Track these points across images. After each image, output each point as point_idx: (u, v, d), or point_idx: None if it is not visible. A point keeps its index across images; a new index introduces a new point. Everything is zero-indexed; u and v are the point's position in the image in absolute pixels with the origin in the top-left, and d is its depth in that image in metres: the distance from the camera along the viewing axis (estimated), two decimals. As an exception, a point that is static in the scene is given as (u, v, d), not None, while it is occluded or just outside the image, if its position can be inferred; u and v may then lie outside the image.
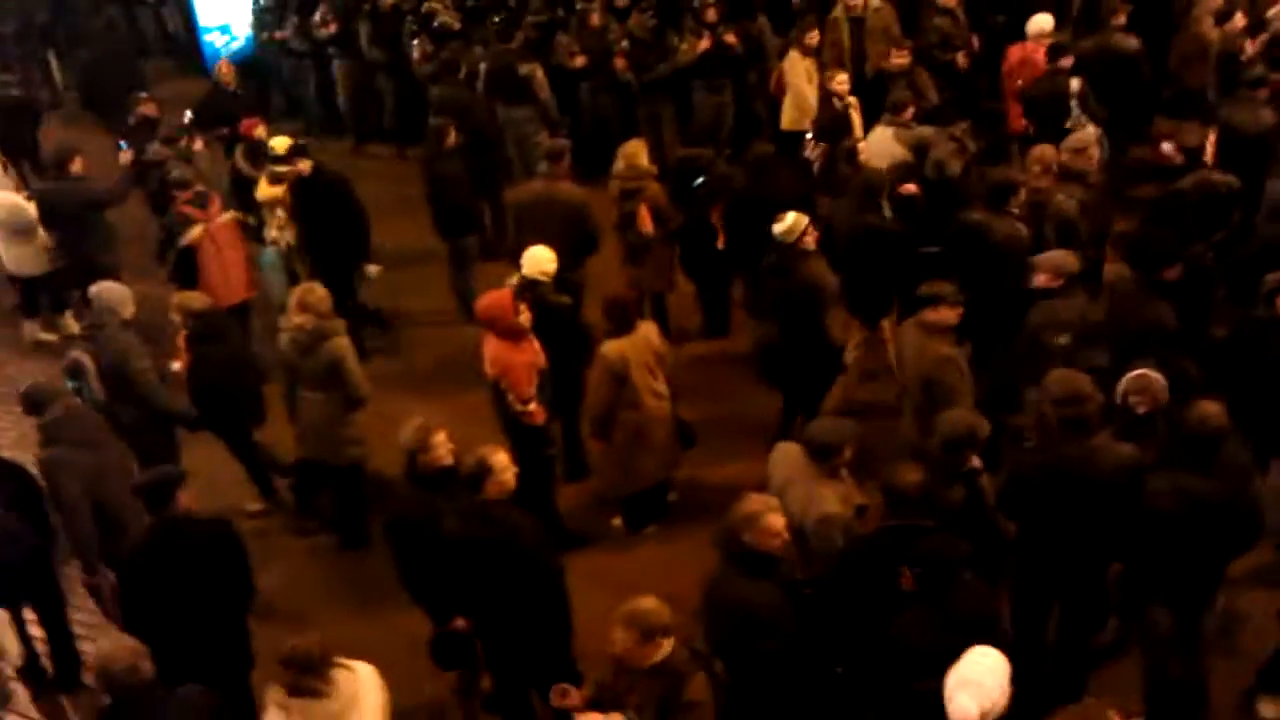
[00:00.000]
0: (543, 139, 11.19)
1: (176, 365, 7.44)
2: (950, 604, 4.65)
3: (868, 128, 9.28)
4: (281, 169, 9.14)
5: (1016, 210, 7.40)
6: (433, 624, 5.95)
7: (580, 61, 11.51)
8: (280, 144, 9.23)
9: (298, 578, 7.36)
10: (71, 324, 9.99)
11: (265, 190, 9.35)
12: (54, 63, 15.38)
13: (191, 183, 8.92)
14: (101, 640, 4.74)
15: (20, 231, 9.65)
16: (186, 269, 8.75)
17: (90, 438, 6.52)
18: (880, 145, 8.76)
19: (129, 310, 7.26)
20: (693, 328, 9.17)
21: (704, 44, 11.07)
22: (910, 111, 8.78)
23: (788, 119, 10.63)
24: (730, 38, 11.08)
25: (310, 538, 7.77)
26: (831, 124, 9.10)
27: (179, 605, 5.40)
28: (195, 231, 8.71)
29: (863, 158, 8.72)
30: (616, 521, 7.47)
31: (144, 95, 10.79)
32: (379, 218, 11.06)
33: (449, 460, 5.76)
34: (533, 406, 6.94)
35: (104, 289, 7.30)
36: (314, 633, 4.96)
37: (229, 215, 9.00)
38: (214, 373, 7.35)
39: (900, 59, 9.76)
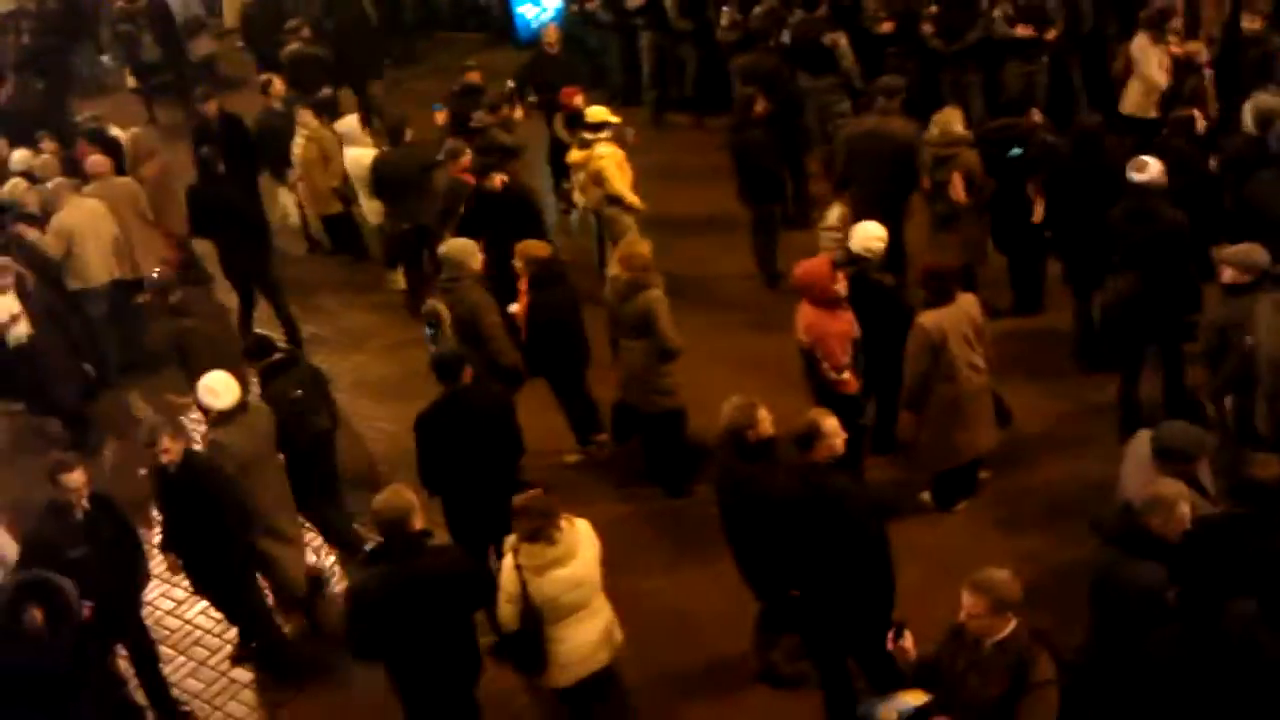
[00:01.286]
0: (845, 108, 11.22)
1: (515, 308, 7.84)
2: (1211, 628, 4.47)
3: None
4: (589, 135, 9.47)
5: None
6: (760, 598, 6.11)
7: (887, 27, 11.31)
8: (595, 113, 9.55)
9: (613, 526, 7.51)
10: (399, 279, 10.63)
11: (573, 155, 9.75)
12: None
13: (462, 152, 9.42)
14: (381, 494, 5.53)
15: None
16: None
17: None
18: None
19: (477, 263, 7.69)
20: (1003, 303, 8.88)
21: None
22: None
23: (1132, 104, 9.88)
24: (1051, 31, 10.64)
25: (629, 487, 8.01)
26: (1187, 95, 8.62)
27: (463, 459, 6.39)
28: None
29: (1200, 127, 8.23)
30: (925, 496, 7.37)
31: (471, 64, 11.33)
32: (679, 185, 11.37)
33: (772, 431, 5.86)
34: (846, 375, 6.96)
35: (453, 245, 7.75)
36: (551, 496, 5.59)
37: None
38: (552, 315, 7.75)
39: (1253, 23, 9.11)
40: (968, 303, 6.92)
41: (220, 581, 6.63)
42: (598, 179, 9.36)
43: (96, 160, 10.36)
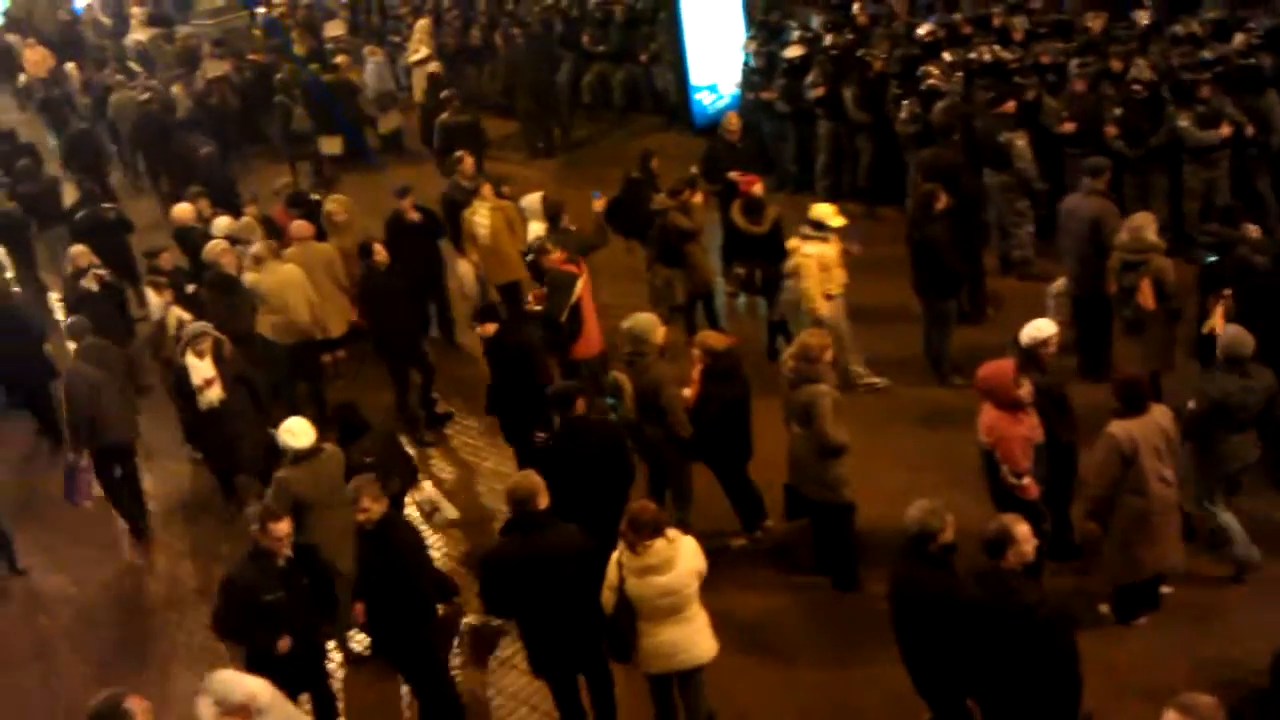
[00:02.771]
0: (1023, 205, 11.14)
1: (687, 392, 7.94)
2: None
3: None
4: (808, 230, 9.51)
5: None
6: (932, 706, 6.04)
7: (1069, 127, 11.23)
8: (819, 210, 9.58)
9: (778, 613, 7.60)
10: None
11: (791, 242, 9.73)
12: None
13: (549, 248, 9.67)
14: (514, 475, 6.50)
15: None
16: (575, 318, 9.45)
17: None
18: None
19: (659, 336, 7.85)
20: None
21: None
22: None
23: None
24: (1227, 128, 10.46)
25: (796, 574, 7.96)
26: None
27: (575, 483, 6.83)
28: (579, 286, 9.48)
29: None
30: (1104, 608, 7.17)
31: (652, 151, 11.62)
32: (851, 274, 11.29)
33: (952, 536, 5.80)
34: (1026, 480, 6.86)
35: (637, 320, 7.88)
36: (660, 513, 6.19)
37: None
38: (722, 407, 7.83)
39: None
40: (1160, 414, 6.78)
41: (402, 639, 6.78)
42: (796, 273, 9.51)
43: (300, 225, 10.96)
